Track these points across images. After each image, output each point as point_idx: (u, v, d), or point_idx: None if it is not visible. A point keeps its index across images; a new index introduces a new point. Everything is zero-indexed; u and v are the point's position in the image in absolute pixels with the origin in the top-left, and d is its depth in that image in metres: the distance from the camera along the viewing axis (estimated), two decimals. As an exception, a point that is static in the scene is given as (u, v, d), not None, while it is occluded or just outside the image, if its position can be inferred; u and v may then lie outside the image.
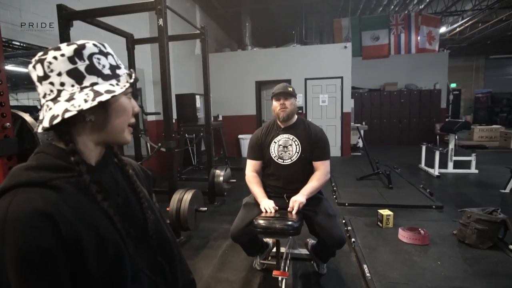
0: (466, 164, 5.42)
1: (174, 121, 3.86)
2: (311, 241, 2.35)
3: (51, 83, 0.60)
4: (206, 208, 2.92)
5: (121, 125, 0.67)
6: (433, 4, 8.91)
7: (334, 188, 4.38)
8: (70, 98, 0.59)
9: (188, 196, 2.73)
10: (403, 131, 9.39)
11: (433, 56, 9.06)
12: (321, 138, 2.01)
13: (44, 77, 0.60)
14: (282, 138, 2.03)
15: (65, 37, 2.80)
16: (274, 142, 2.03)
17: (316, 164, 1.99)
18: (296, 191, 1.91)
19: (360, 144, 7.84)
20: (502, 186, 4.21)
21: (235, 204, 3.91)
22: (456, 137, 5.65)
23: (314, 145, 1.99)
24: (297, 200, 1.81)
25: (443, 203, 3.60)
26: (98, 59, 0.63)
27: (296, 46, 7.78)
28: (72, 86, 0.60)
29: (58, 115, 0.57)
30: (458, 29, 9.61)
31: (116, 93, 0.62)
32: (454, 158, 5.30)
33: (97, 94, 0.60)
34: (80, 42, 0.62)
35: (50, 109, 0.59)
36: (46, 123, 0.58)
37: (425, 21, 7.96)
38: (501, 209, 2.56)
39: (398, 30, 8.00)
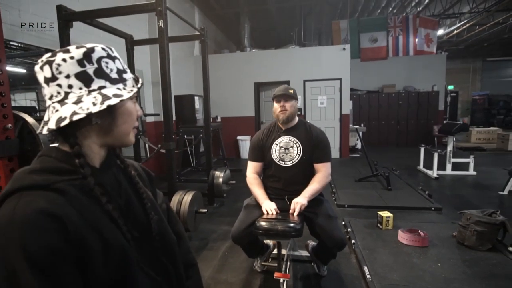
0: (464, 166, 5.45)
1: (173, 122, 3.85)
2: (311, 243, 2.35)
3: (59, 85, 0.60)
4: (206, 210, 2.92)
5: (127, 129, 0.68)
6: (431, 7, 8.97)
7: (333, 190, 4.39)
8: (78, 101, 0.59)
9: (188, 197, 2.73)
10: (401, 133, 9.42)
11: (431, 58, 9.11)
12: (322, 140, 2.01)
13: (52, 79, 0.60)
14: (283, 140, 2.03)
15: (64, 38, 2.79)
16: (276, 144, 2.03)
17: (317, 166, 1.99)
18: (296, 193, 1.91)
19: (359, 146, 7.87)
20: (501, 188, 4.23)
21: (234, 206, 3.91)
22: (454, 139, 5.68)
23: (315, 147, 1.99)
24: (299, 202, 1.81)
25: (442, 205, 3.61)
26: (106, 62, 0.63)
27: (294, 48, 7.80)
28: (80, 88, 0.60)
29: (65, 117, 0.57)
30: (455, 32, 9.68)
31: (124, 98, 0.62)
32: (452, 160, 5.33)
33: (105, 97, 0.60)
34: (89, 45, 0.62)
35: (57, 111, 0.59)
36: (52, 125, 0.57)
37: (423, 23, 8.02)
38: (500, 211, 2.57)
39: (396, 32, 8.05)
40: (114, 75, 0.64)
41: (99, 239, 0.57)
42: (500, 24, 9.05)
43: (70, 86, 0.60)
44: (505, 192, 4.14)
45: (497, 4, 7.47)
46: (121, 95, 0.62)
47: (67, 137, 0.61)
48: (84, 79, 0.60)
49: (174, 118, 5.53)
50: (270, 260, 2.40)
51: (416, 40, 8.01)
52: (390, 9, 9.47)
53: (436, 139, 8.56)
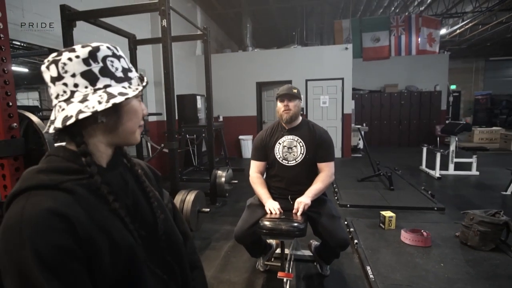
0: (467, 166, 5.43)
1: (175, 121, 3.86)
2: (314, 243, 2.35)
3: (65, 84, 0.60)
4: (208, 209, 2.92)
5: (132, 127, 0.68)
6: (434, 6, 8.94)
7: (336, 190, 4.38)
8: (84, 100, 0.59)
9: (190, 197, 2.73)
10: (403, 133, 9.39)
11: (433, 58, 9.08)
12: (325, 140, 2.01)
13: (58, 78, 0.60)
14: (286, 139, 2.03)
15: (68, 38, 2.80)
16: (279, 143, 2.03)
17: (321, 165, 1.99)
18: (299, 193, 1.91)
19: (361, 146, 7.85)
20: (503, 188, 4.21)
21: (236, 205, 3.91)
22: (457, 139, 5.66)
23: (318, 146, 1.99)
24: (302, 202, 1.81)
25: (444, 205, 3.60)
26: (112, 61, 0.63)
27: (296, 47, 7.79)
28: (86, 87, 0.60)
29: (71, 116, 0.57)
30: (458, 31, 9.63)
31: (129, 96, 0.62)
32: (455, 160, 5.32)
33: (110, 96, 0.60)
34: (94, 44, 0.62)
35: (63, 109, 0.59)
36: (58, 124, 0.58)
37: (425, 22, 7.99)
38: (503, 211, 2.57)
39: (398, 31, 8.03)
40: (119, 73, 0.64)
41: (107, 239, 0.57)
42: (503, 23, 9.00)
43: (76, 85, 0.60)
44: (508, 192, 4.12)
45: (500, 3, 7.43)
46: (126, 94, 0.62)
47: (74, 136, 0.61)
48: (90, 77, 0.61)
49: (176, 117, 5.54)
50: (272, 259, 2.40)
51: (419, 39, 7.98)
52: (393, 8, 9.43)
53: (438, 139, 8.54)
